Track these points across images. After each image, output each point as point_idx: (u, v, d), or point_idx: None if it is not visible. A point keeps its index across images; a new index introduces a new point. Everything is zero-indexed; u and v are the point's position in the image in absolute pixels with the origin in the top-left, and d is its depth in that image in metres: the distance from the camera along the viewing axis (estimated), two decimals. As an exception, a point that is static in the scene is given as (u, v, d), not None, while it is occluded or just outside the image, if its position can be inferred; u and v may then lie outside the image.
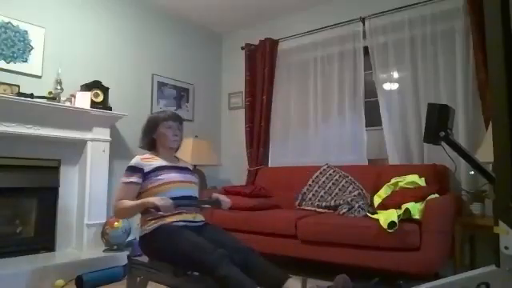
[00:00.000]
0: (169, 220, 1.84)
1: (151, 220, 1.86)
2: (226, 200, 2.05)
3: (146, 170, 1.93)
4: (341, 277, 1.67)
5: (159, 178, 1.92)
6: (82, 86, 3.14)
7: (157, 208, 1.73)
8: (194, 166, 3.75)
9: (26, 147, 2.80)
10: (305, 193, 3.26)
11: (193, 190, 2.02)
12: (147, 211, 1.85)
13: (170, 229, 1.80)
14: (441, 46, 3.08)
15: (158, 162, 1.99)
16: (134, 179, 1.90)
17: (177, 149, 2.15)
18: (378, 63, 3.36)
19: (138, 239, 2.00)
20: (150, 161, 1.98)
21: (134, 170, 1.92)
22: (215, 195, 2.10)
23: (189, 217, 1.91)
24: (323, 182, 3.22)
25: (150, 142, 2.10)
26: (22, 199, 2.92)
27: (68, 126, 2.95)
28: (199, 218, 1.98)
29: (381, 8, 3.35)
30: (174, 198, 1.83)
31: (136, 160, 1.96)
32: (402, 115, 3.24)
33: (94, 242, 3.02)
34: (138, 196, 1.93)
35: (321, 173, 3.29)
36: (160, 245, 1.79)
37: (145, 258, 1.94)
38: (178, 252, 1.71)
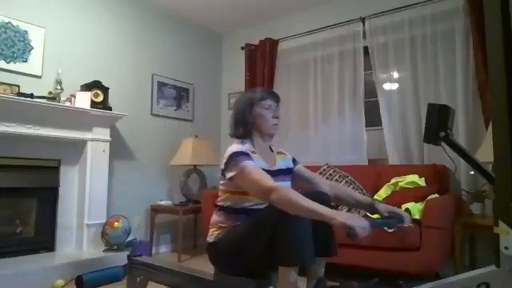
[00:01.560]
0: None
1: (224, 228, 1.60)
2: (405, 214, 1.59)
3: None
4: (349, 283, 1.60)
5: None
6: (82, 86, 3.14)
7: (351, 229, 1.22)
8: (195, 165, 3.75)
9: (26, 147, 2.80)
10: (305, 193, 3.26)
11: None
12: (231, 215, 1.58)
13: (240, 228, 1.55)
14: (441, 45, 3.08)
15: (259, 162, 1.61)
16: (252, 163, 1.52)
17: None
18: (378, 63, 3.36)
19: (139, 240, 1.98)
20: (253, 156, 1.61)
21: (247, 154, 1.57)
22: (390, 208, 1.64)
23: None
24: (323, 182, 3.21)
25: (246, 128, 1.69)
26: (22, 199, 2.92)
27: (68, 125, 2.95)
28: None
29: (381, 8, 3.35)
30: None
31: (241, 147, 1.60)
32: (402, 115, 3.24)
33: (94, 242, 3.02)
34: (224, 194, 1.65)
35: (321, 173, 3.28)
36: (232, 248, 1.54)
37: (145, 258, 1.94)
38: (244, 232, 1.49)
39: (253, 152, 1.63)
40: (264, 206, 1.52)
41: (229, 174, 1.56)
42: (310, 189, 1.71)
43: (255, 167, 1.50)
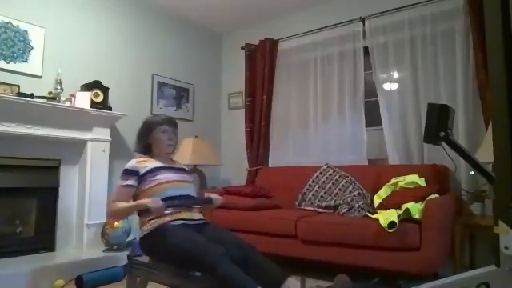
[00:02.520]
0: (167, 219, 1.85)
1: (150, 220, 1.87)
2: (217, 197, 2.07)
3: (142, 172, 1.96)
4: (340, 277, 1.68)
5: (155, 178, 1.94)
6: (82, 86, 3.14)
7: (149, 208, 1.76)
8: (195, 165, 3.75)
9: (26, 147, 2.80)
10: (305, 193, 3.26)
11: (189, 190, 2.03)
12: (145, 212, 1.86)
13: (170, 228, 1.81)
14: (441, 45, 3.08)
15: (153, 163, 2.01)
16: (129, 182, 1.93)
17: (172, 153, 2.18)
18: (378, 63, 3.36)
19: (138, 239, 2.00)
20: (145, 163, 2.01)
21: (129, 173, 1.95)
22: (207, 194, 2.11)
23: (187, 215, 1.92)
24: (323, 182, 3.22)
25: (146, 146, 2.11)
26: (22, 199, 2.92)
27: (68, 126, 2.95)
28: (198, 216, 1.99)
29: (381, 8, 3.35)
30: (170, 198, 1.87)
31: (131, 163, 1.99)
32: (402, 115, 3.24)
33: (94, 242, 3.02)
34: (136, 198, 1.95)
35: (321, 173, 3.29)
36: (160, 244, 1.79)
37: (145, 258, 1.94)
38: (178, 251, 1.71)
39: (148, 159, 2.04)
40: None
41: None
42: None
43: (120, 189, 1.94)
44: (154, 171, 1.97)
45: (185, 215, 1.91)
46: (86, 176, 3.05)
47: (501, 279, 1.14)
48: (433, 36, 3.12)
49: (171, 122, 2.11)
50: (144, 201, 1.81)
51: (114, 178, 3.29)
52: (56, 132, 2.88)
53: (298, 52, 3.93)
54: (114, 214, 2.00)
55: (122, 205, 1.88)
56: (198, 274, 1.71)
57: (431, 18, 3.12)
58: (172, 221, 1.85)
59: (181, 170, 2.12)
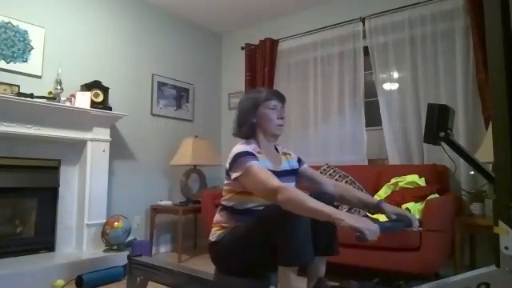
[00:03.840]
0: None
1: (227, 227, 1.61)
2: (413, 217, 1.56)
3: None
4: (349, 283, 1.58)
5: None
6: (82, 86, 3.14)
7: (359, 232, 1.19)
8: (195, 165, 3.75)
9: (26, 147, 2.80)
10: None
11: None
12: (233, 216, 1.59)
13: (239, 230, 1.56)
14: (441, 46, 3.08)
15: (265, 162, 1.60)
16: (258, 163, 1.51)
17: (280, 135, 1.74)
18: (378, 63, 3.36)
19: (138, 239, 1.98)
20: (260, 156, 1.60)
21: (252, 155, 1.54)
22: (400, 211, 1.62)
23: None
24: (323, 181, 3.21)
25: (250, 129, 1.68)
26: (22, 199, 2.92)
27: (68, 126, 2.95)
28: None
29: (381, 8, 3.35)
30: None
31: (248, 147, 1.58)
32: (402, 115, 3.24)
33: (94, 242, 3.02)
34: (228, 194, 1.64)
35: (321, 173, 3.28)
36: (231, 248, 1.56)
37: (145, 258, 1.94)
38: (245, 232, 1.50)
39: (258, 152, 1.61)
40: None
41: (234, 175, 1.54)
42: (315, 189, 1.72)
43: (261, 167, 1.48)
44: None
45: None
46: (86, 176, 3.05)
47: (501, 279, 1.14)
48: (433, 36, 3.12)
49: (280, 97, 1.70)
50: (351, 217, 1.24)
51: (114, 178, 3.29)
52: (56, 132, 2.87)
53: (298, 52, 3.93)
54: (292, 204, 1.33)
55: (312, 202, 1.31)
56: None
57: (431, 18, 3.12)
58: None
59: (291, 175, 1.73)
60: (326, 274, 1.62)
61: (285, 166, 1.73)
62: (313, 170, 1.83)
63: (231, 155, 1.58)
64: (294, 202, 1.33)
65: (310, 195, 1.40)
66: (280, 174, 1.60)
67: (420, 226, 1.72)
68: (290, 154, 1.82)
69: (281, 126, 1.68)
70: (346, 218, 1.23)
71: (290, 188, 1.38)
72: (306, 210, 1.31)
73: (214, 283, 1.62)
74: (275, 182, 1.41)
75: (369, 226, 1.20)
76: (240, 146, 1.59)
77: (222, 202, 1.69)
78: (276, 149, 1.78)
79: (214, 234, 1.65)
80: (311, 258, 1.42)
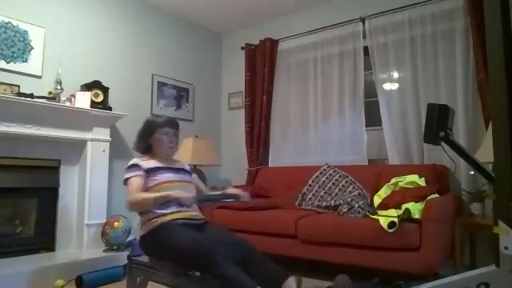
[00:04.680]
0: (168, 218, 1.84)
1: (151, 219, 1.86)
2: (243, 193, 2.08)
3: (145, 167, 1.96)
4: (341, 277, 1.67)
5: (155, 178, 1.94)
6: (82, 86, 3.14)
7: (178, 200, 1.76)
8: (194, 165, 3.75)
9: (26, 147, 2.80)
10: (305, 193, 3.26)
11: (189, 190, 2.00)
12: (147, 211, 1.85)
13: (170, 227, 1.80)
14: (441, 46, 3.08)
15: (154, 163, 2.01)
16: (139, 173, 1.92)
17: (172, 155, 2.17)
18: (378, 63, 3.36)
19: (138, 239, 2.00)
20: (146, 161, 2.00)
21: (136, 166, 1.94)
22: (233, 190, 2.13)
23: (188, 215, 1.91)
24: (323, 182, 3.22)
25: (146, 147, 2.09)
26: (22, 199, 2.92)
27: (68, 126, 2.95)
28: (199, 215, 1.98)
29: (381, 8, 3.35)
30: None
31: (135, 160, 1.99)
32: (402, 115, 3.24)
33: (94, 242, 3.02)
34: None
35: (321, 173, 3.28)
36: (160, 244, 1.78)
37: (145, 258, 1.94)
38: (179, 250, 1.71)
39: (149, 159, 2.02)
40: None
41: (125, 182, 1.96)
42: (199, 192, 2.17)
43: (134, 180, 1.88)
44: (154, 171, 1.96)
45: (186, 214, 1.90)
46: (86, 176, 3.05)
47: (501, 279, 1.14)
48: (433, 36, 3.12)
49: (173, 124, 2.09)
50: (174, 192, 1.77)
51: (114, 178, 3.29)
52: (56, 132, 2.88)
53: (298, 52, 3.93)
54: (134, 204, 1.84)
55: (145, 195, 1.83)
56: (197, 273, 1.70)
57: (431, 18, 3.12)
58: (172, 220, 1.84)
59: (180, 170, 2.10)
60: (327, 273, 1.62)
61: (181, 165, 2.16)
62: (199, 180, 2.29)
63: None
64: (135, 200, 1.81)
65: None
66: (177, 171, 2.04)
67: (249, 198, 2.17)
68: (181, 162, 2.26)
69: (171, 148, 2.07)
70: (173, 193, 1.75)
71: (134, 194, 1.82)
72: (148, 201, 1.80)
73: (213, 283, 1.62)
74: (131, 196, 1.83)
75: (187, 196, 1.77)
76: (133, 159, 2.00)
77: None
78: (172, 160, 2.16)
79: (145, 230, 1.90)
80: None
